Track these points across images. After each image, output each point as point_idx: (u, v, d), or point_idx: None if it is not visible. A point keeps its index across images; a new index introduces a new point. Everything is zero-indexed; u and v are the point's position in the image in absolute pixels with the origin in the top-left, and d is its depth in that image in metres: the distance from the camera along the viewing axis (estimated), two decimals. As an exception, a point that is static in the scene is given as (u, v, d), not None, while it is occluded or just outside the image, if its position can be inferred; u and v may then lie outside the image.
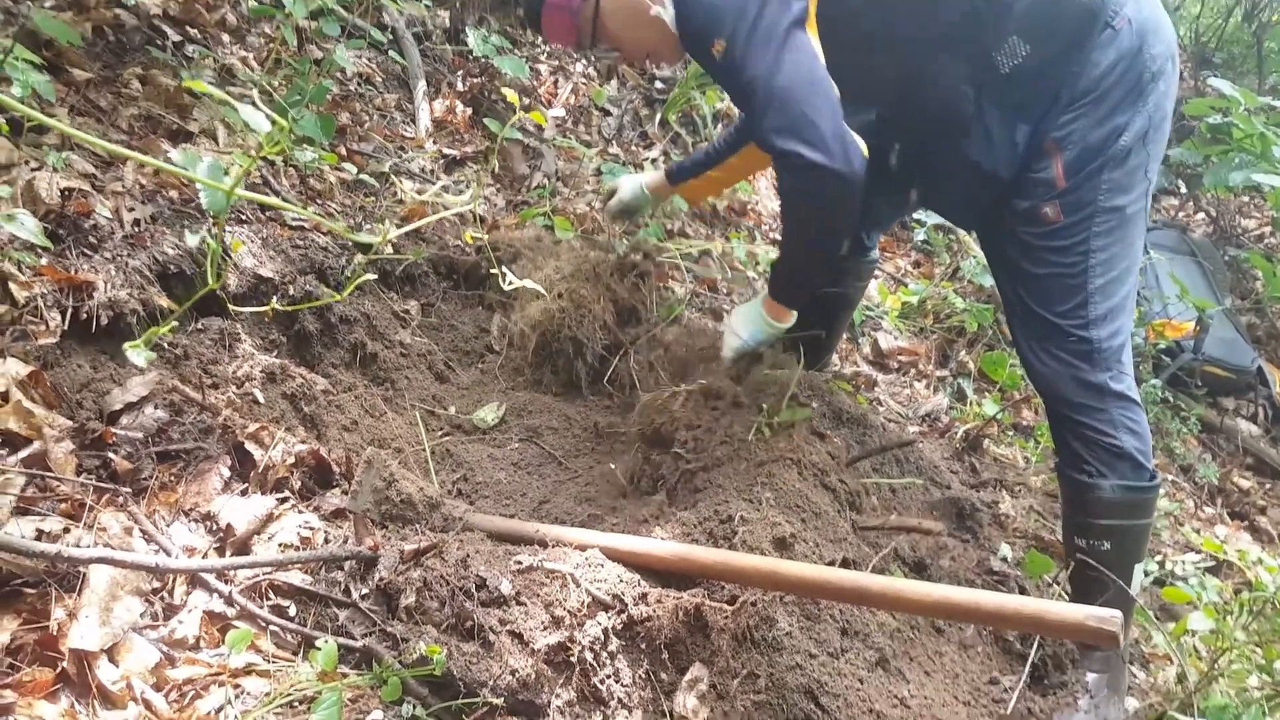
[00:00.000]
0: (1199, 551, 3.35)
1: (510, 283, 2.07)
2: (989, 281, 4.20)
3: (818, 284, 2.53)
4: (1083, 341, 2.21)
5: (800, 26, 2.09)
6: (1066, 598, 2.52)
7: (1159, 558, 3.18)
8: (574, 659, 1.66)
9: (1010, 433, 3.68)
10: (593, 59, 4.41)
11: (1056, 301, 2.23)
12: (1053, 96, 2.14)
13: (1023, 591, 2.47)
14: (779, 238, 2.56)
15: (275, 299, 2.18)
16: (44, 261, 1.98)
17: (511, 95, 2.31)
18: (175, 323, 1.89)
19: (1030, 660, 2.19)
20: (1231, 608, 2.44)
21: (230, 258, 2.28)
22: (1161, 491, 2.84)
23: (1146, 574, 2.41)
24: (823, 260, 2.41)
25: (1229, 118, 4.08)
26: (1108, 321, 2.22)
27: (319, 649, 1.58)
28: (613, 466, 2.41)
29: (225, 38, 3.06)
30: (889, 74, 2.24)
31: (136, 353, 1.56)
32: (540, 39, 4.27)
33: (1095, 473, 2.24)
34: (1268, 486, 4.31)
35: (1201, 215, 6.00)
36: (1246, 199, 6.18)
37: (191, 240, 1.98)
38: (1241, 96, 4.03)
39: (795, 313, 2.48)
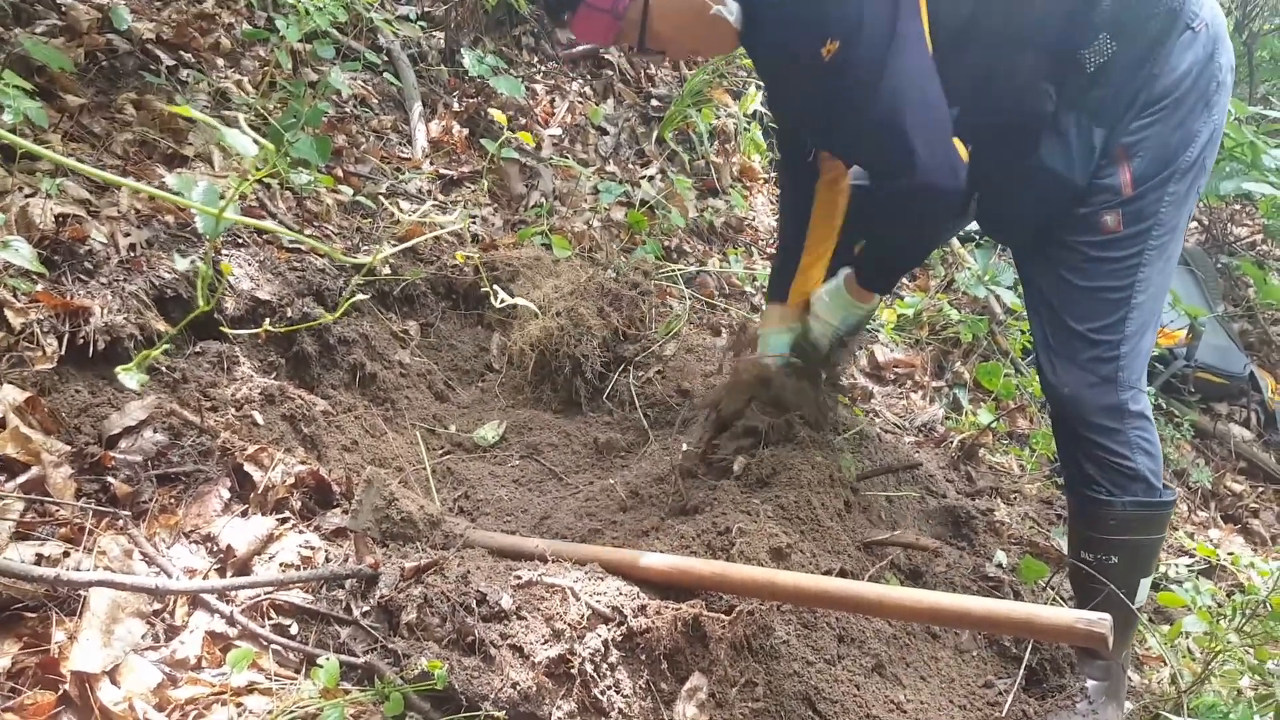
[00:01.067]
0: (1192, 555, 3.36)
1: (502, 301, 2.09)
2: (982, 293, 4.23)
3: (909, 271, 2.57)
4: (1112, 360, 2.15)
5: (915, 16, 1.99)
6: (1061, 602, 2.54)
7: (1158, 563, 3.20)
8: (575, 671, 1.67)
9: (1005, 441, 3.70)
10: (588, 77, 4.44)
11: (1096, 316, 2.15)
12: (1131, 99, 2.06)
13: (1018, 596, 2.48)
14: (870, 230, 2.40)
15: (272, 322, 2.21)
16: (40, 288, 2.00)
17: (499, 115, 2.32)
18: (168, 346, 1.91)
19: (1025, 663, 2.20)
20: (1225, 610, 2.45)
21: (223, 280, 2.30)
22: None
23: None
24: (917, 256, 2.46)
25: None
26: (1138, 338, 2.16)
27: (321, 666, 1.59)
28: (612, 482, 2.43)
29: (220, 62, 3.08)
30: (969, 68, 2.11)
31: (129, 376, 1.58)
32: (536, 58, 4.31)
33: (1107, 492, 2.19)
34: (1260, 490, 4.33)
35: (1194, 224, 6.04)
36: (1238, 207, 6.22)
37: (181, 264, 2.00)
38: (1233, 107, 4.06)
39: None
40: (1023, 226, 2.31)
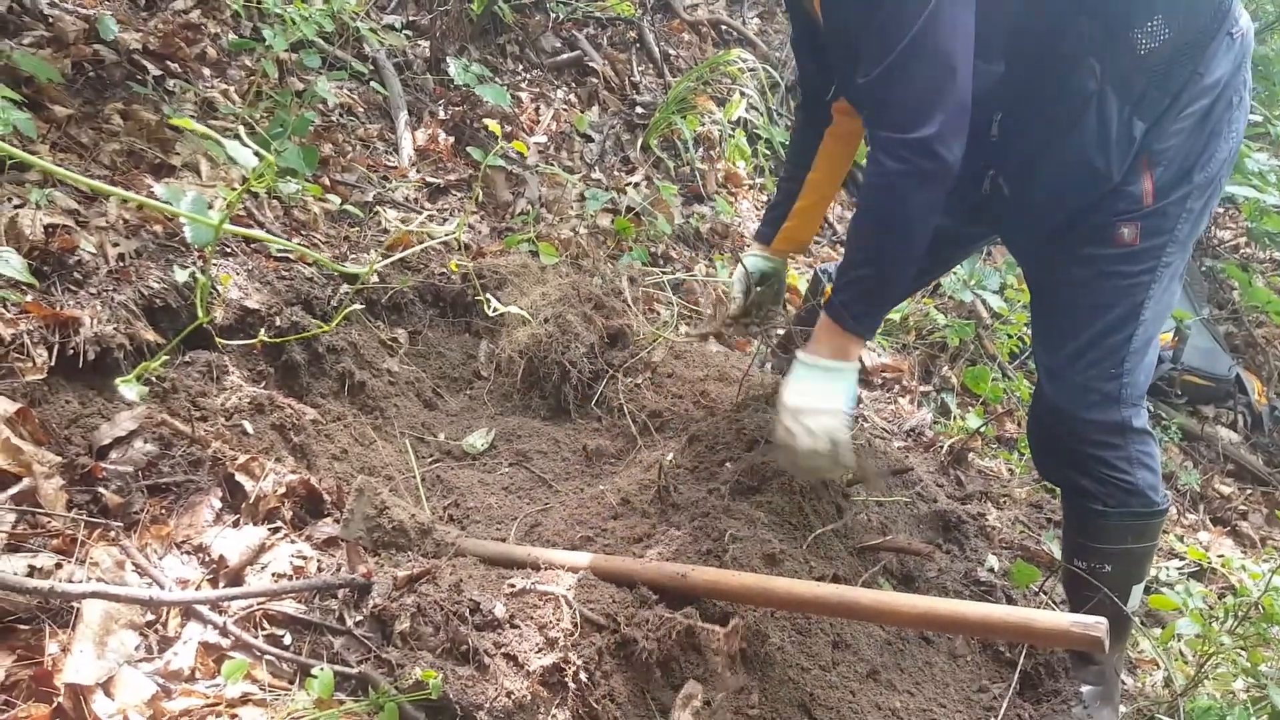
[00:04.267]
0: (1183, 558, 3.39)
1: (495, 309, 2.09)
2: (969, 297, 4.25)
3: (884, 289, 2.04)
4: (1116, 378, 2.10)
5: None
6: (1053, 606, 2.55)
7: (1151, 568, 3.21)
8: (569, 680, 1.66)
9: (994, 445, 3.72)
10: (573, 85, 4.45)
11: (1104, 332, 2.09)
12: (1174, 95, 1.94)
13: (1010, 601, 2.49)
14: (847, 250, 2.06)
15: (262, 331, 2.20)
16: (29, 298, 1.98)
17: (494, 126, 2.33)
18: (166, 357, 1.90)
19: (1019, 668, 2.20)
20: (1217, 613, 2.47)
21: (218, 291, 2.29)
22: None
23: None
24: (892, 254, 1.96)
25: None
26: (1142, 355, 2.11)
27: (315, 677, 1.57)
28: (603, 489, 2.43)
29: (206, 71, 3.08)
30: (1022, 22, 1.94)
31: (129, 388, 1.57)
32: (521, 66, 4.32)
33: (1104, 504, 2.17)
34: (1248, 492, 4.37)
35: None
36: (1221, 210, 6.27)
37: (180, 276, 1.99)
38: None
39: (861, 346, 2.03)
40: (1044, 219, 2.16)
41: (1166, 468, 4.18)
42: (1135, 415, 2.15)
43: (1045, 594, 2.62)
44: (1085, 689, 2.23)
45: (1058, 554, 2.60)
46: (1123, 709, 2.34)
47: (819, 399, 1.95)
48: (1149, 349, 2.14)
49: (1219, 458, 4.52)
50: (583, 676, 1.68)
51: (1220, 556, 3.45)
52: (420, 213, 3.22)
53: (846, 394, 1.97)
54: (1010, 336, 4.20)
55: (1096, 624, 1.47)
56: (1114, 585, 2.19)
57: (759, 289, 2.65)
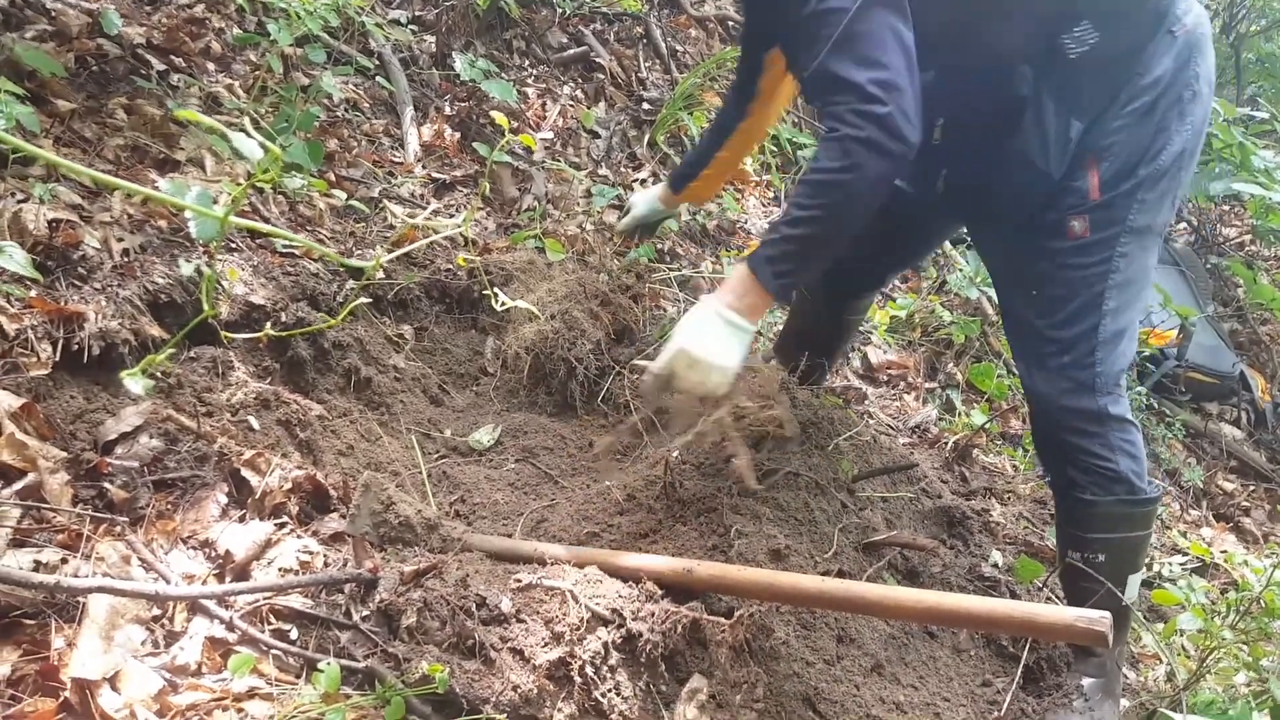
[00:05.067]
0: (1185, 553, 3.39)
1: (503, 304, 2.09)
2: (974, 294, 4.25)
3: (811, 264, 2.02)
4: (1088, 366, 2.15)
5: None
6: (1057, 601, 2.55)
7: (1146, 559, 3.21)
8: (575, 674, 1.67)
9: (999, 442, 3.72)
10: (579, 80, 4.45)
11: (1068, 322, 2.15)
12: (1112, 95, 2.03)
13: (1014, 596, 2.49)
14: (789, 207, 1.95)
15: (268, 326, 2.20)
16: (33, 293, 1.98)
17: (501, 119, 2.32)
18: (172, 351, 1.90)
19: (1022, 662, 2.21)
20: (1219, 608, 2.47)
21: (223, 286, 2.29)
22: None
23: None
24: (828, 229, 1.92)
25: (1209, 128, 4.15)
26: (1114, 344, 2.15)
27: (321, 671, 1.58)
28: (609, 484, 2.43)
29: (210, 66, 3.07)
30: (950, 32, 1.99)
31: (134, 381, 1.57)
32: (528, 61, 4.31)
33: (1090, 493, 2.21)
34: (1251, 488, 4.37)
35: (1183, 225, 6.07)
36: (1227, 208, 6.26)
37: (186, 270, 1.99)
38: (1220, 107, 4.10)
39: (768, 310, 2.04)
40: (1001, 217, 2.24)
41: (1170, 464, 4.17)
42: (1112, 403, 2.18)
43: (1049, 589, 2.62)
44: (1087, 682, 2.23)
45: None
46: (1125, 702, 2.34)
47: (718, 355, 1.93)
48: (1121, 339, 2.17)
49: (1222, 454, 4.52)
50: (588, 670, 1.69)
51: (1223, 552, 3.46)
52: (426, 208, 3.22)
53: (742, 355, 1.96)
54: (1015, 333, 4.19)
55: (1100, 618, 1.47)
56: (1109, 576, 2.21)
57: (644, 230, 3.24)
